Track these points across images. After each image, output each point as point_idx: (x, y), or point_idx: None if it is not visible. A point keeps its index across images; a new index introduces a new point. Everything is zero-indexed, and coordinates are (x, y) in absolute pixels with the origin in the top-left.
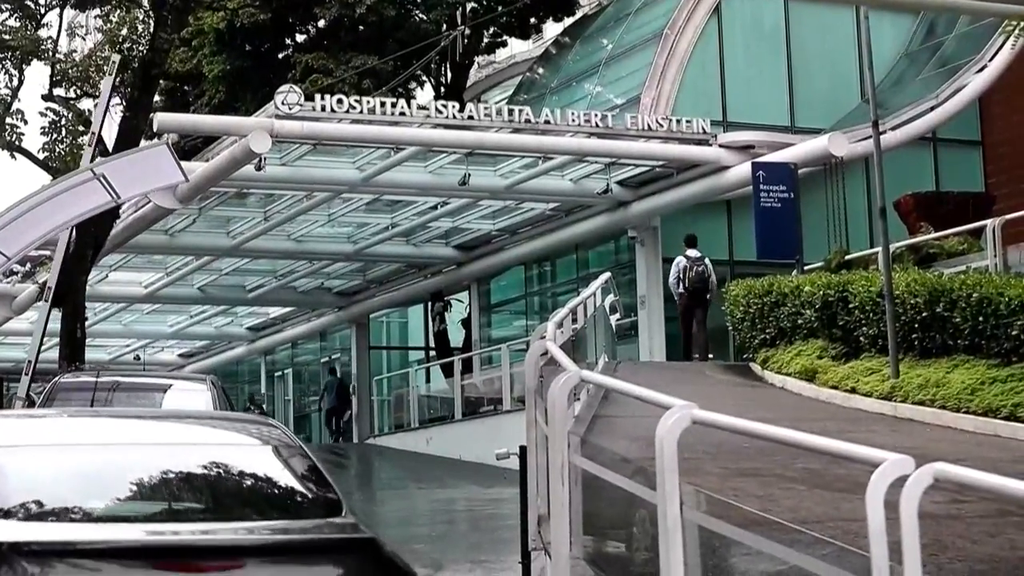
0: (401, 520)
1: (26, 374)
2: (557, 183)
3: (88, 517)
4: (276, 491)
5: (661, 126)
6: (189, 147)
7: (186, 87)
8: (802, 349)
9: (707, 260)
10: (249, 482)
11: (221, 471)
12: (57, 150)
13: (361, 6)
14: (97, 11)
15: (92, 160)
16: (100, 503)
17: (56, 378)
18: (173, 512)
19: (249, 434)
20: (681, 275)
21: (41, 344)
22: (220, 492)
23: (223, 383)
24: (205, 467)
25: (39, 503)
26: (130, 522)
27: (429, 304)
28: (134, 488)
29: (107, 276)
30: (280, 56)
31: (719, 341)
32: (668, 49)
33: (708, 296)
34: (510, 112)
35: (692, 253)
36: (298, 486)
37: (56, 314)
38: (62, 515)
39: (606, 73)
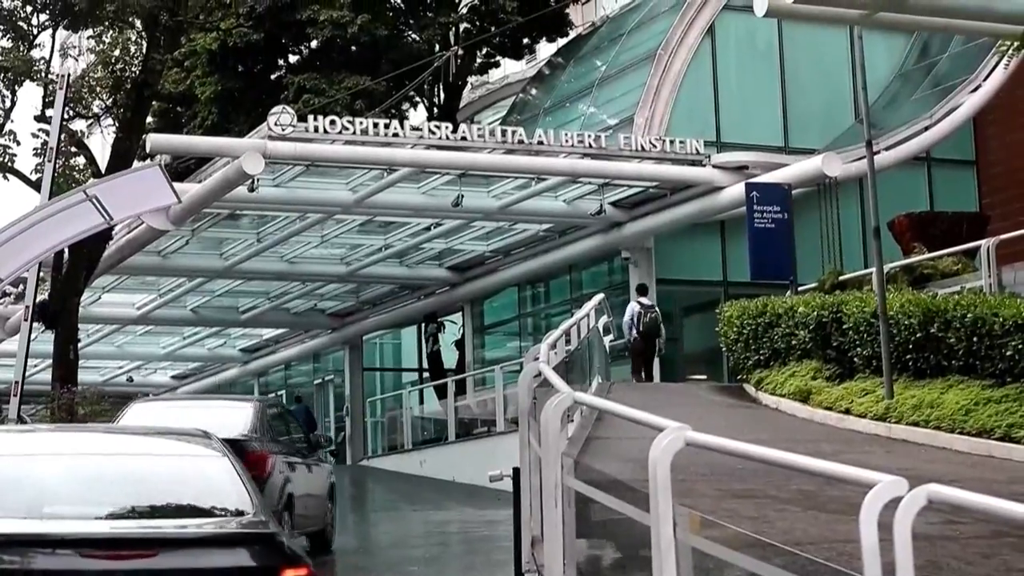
0: (395, 542)
1: (15, 395)
2: (550, 204)
3: (35, 515)
4: (198, 493)
5: (655, 147)
6: (182, 168)
7: (179, 108)
8: (796, 370)
9: (656, 307)
10: (176, 486)
11: (153, 477)
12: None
13: (353, 26)
14: (90, 32)
15: (55, 178)
16: (45, 503)
17: (131, 403)
18: (108, 511)
19: (185, 445)
20: (635, 321)
21: (26, 365)
22: (149, 494)
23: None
24: (141, 473)
25: None
26: (68, 519)
27: (422, 325)
28: (76, 491)
29: (100, 298)
30: (273, 77)
31: (712, 362)
32: (662, 70)
33: (658, 339)
34: (503, 133)
35: (644, 301)
36: (217, 489)
37: (49, 335)
38: (12, 513)
39: (599, 94)
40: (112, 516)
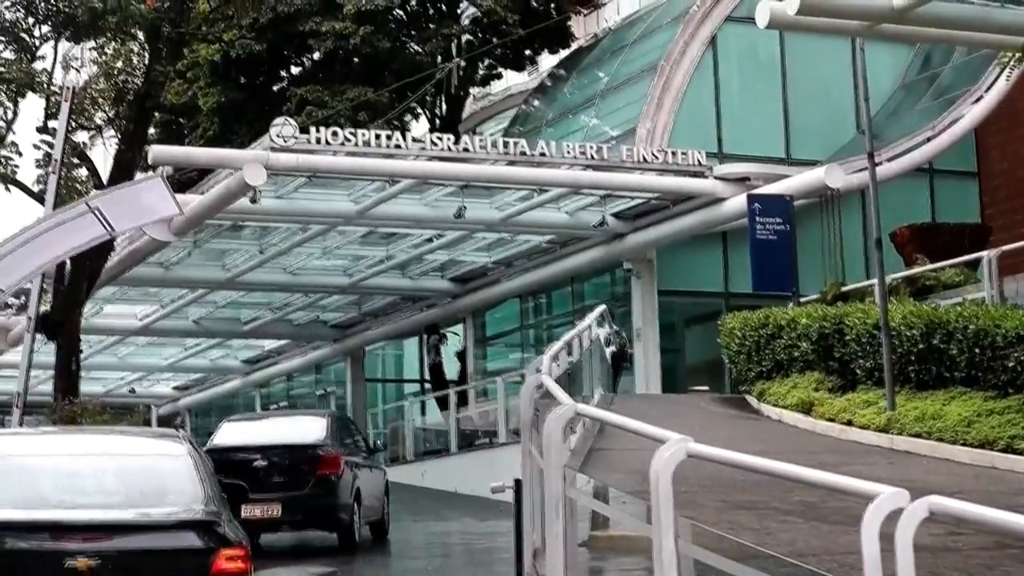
0: (397, 553)
1: (17, 407)
2: (553, 215)
3: (19, 505)
4: (158, 487)
5: (657, 158)
6: (184, 179)
7: (181, 119)
8: (798, 382)
9: (621, 332)
10: (140, 480)
11: (123, 473)
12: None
13: (356, 38)
14: (92, 44)
15: (57, 190)
16: (26, 494)
17: (223, 421)
18: (80, 502)
19: (155, 446)
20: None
21: (28, 376)
22: (117, 488)
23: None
24: (112, 470)
25: None
26: (43, 509)
27: (424, 337)
28: (52, 484)
29: (102, 309)
30: (275, 88)
31: (715, 373)
32: (664, 81)
33: (624, 361)
34: (505, 144)
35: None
36: (176, 483)
37: (51, 347)
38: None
39: (602, 105)
40: (81, 506)
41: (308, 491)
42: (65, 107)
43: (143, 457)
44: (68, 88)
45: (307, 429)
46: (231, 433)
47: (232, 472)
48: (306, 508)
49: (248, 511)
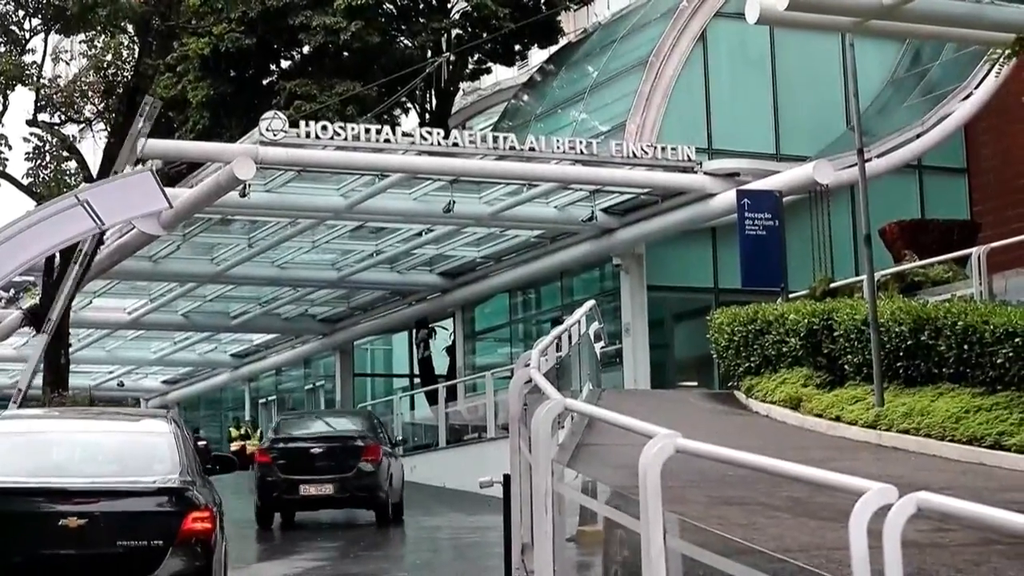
0: (385, 548)
1: (14, 402)
2: (542, 210)
3: (17, 472)
4: (141, 459)
5: (646, 153)
6: (173, 173)
7: (171, 113)
8: (787, 377)
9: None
10: (126, 454)
11: (112, 447)
12: (41, 176)
13: (346, 32)
14: (82, 37)
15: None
16: (29, 465)
17: (280, 416)
18: (75, 470)
19: (144, 424)
20: None
21: (34, 374)
22: (106, 460)
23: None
24: (103, 445)
25: None
26: (42, 476)
27: (413, 331)
28: (51, 457)
29: (91, 302)
30: (264, 82)
31: (703, 369)
32: (653, 77)
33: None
34: (495, 139)
35: None
36: (158, 456)
37: (41, 340)
38: (12, 473)
39: (591, 100)
40: (74, 474)
41: (354, 474)
42: (142, 120)
43: (132, 434)
44: (148, 104)
45: (353, 425)
46: (285, 428)
47: (290, 459)
48: (352, 488)
49: (305, 490)
